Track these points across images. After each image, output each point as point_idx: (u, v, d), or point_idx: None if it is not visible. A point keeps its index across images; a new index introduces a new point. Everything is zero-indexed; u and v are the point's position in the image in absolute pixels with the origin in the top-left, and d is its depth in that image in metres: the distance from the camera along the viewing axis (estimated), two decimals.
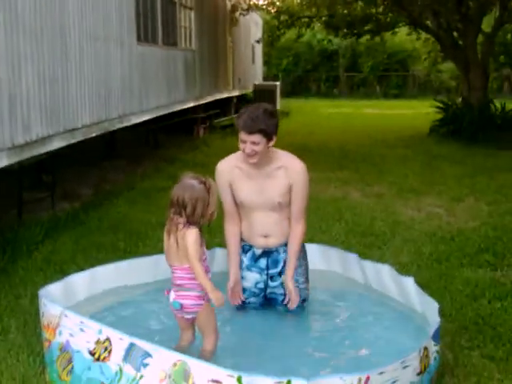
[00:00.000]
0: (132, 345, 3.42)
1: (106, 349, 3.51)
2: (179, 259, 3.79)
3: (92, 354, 3.55)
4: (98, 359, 3.52)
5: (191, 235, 3.70)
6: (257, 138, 4.31)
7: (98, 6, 9.24)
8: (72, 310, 3.89)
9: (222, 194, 4.59)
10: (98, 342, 3.56)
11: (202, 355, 3.78)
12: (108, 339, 3.53)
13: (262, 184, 4.48)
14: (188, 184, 3.75)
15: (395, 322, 4.50)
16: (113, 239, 7.07)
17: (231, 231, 4.71)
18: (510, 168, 11.75)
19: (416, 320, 4.42)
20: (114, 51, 10.02)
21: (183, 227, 3.73)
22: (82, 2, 8.53)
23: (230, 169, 4.59)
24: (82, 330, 3.66)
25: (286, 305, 4.59)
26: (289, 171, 4.50)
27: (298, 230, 4.56)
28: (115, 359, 3.45)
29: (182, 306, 3.83)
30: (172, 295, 3.86)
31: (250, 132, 4.30)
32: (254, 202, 4.53)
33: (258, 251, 4.71)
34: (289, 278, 4.52)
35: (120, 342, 3.47)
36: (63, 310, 3.83)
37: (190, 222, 3.73)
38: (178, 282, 3.83)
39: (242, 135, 4.33)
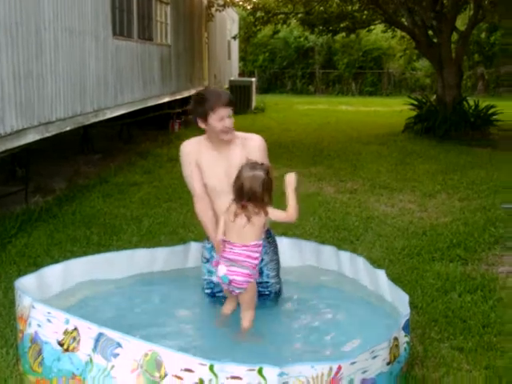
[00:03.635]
0: (101, 334, 3.42)
1: (74, 339, 3.50)
2: (244, 237, 4.10)
3: (61, 344, 3.55)
4: (67, 350, 3.52)
5: (270, 210, 4.10)
6: (231, 111, 4.47)
7: (73, 0, 9.20)
8: (41, 302, 3.89)
9: (191, 174, 4.59)
10: (65, 333, 3.55)
11: (242, 329, 4.19)
12: (76, 329, 3.52)
13: (226, 165, 4.48)
14: (251, 173, 4.06)
15: (367, 314, 4.55)
16: (87, 233, 7.08)
17: (205, 208, 4.61)
18: (482, 165, 11.89)
19: (387, 312, 4.47)
20: (89, 45, 9.99)
21: (257, 209, 4.06)
22: None
23: (196, 150, 4.61)
24: (49, 320, 3.66)
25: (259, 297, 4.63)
26: (248, 143, 4.57)
27: None
28: (84, 349, 3.45)
29: (230, 281, 4.08)
30: (222, 269, 4.11)
31: (231, 104, 4.46)
32: (221, 186, 4.49)
33: None
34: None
35: (88, 331, 3.47)
36: (32, 301, 3.83)
37: (262, 205, 4.07)
38: (233, 257, 4.09)
39: (223, 111, 4.40)
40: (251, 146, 4.55)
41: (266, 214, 4.08)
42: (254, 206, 4.06)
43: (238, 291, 4.15)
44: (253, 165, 4.13)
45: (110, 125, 13.31)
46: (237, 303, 4.35)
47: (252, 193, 4.03)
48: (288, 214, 4.09)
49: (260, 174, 4.06)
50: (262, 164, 4.16)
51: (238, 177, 4.09)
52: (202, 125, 4.52)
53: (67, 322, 3.58)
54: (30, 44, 7.67)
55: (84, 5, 9.75)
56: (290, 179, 4.17)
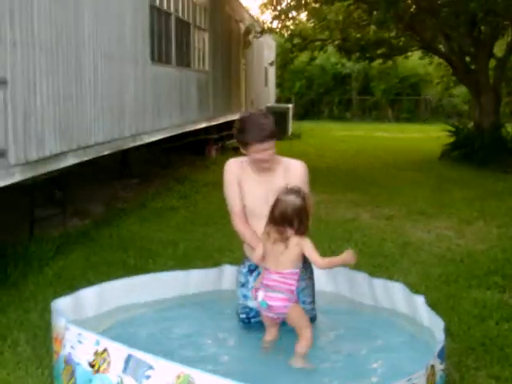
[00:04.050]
0: (130, 356, 3.42)
1: (104, 360, 3.51)
2: (280, 264, 4.08)
3: (92, 365, 3.56)
4: (97, 371, 3.52)
5: (307, 243, 4.07)
6: (271, 143, 4.44)
7: (112, 26, 9.35)
8: (74, 323, 3.92)
9: (231, 191, 4.62)
10: (96, 354, 3.56)
11: (297, 353, 4.10)
12: (106, 350, 3.53)
13: (267, 189, 4.48)
14: (289, 199, 4.05)
15: (403, 341, 4.51)
16: (123, 256, 7.12)
17: (245, 224, 4.61)
18: None
19: (424, 339, 4.42)
20: (128, 70, 10.12)
21: (295, 237, 4.04)
22: (97, 21, 8.64)
23: (239, 169, 4.64)
24: (80, 341, 3.68)
25: None
26: (290, 168, 4.58)
27: None
28: (115, 370, 3.45)
29: (268, 306, 4.09)
30: (260, 294, 4.11)
31: (272, 138, 4.42)
32: (259, 209, 4.49)
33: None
34: None
35: (118, 352, 3.48)
36: (66, 323, 3.86)
37: (299, 233, 4.05)
38: (270, 283, 4.10)
39: (262, 145, 4.39)
40: (292, 172, 4.56)
41: (303, 242, 4.05)
42: (292, 233, 4.04)
43: (277, 316, 4.14)
44: (291, 190, 4.11)
45: (147, 150, 13.43)
46: (277, 332, 4.30)
47: (290, 219, 4.01)
48: (322, 261, 4.06)
49: (298, 200, 4.04)
50: (300, 190, 4.13)
51: (277, 202, 4.08)
52: (243, 150, 4.54)
53: (97, 343, 3.59)
54: (70, 68, 7.79)
55: (123, 30, 9.90)
56: (349, 258, 4.08)
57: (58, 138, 7.43)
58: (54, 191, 9.33)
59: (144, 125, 10.96)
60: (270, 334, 4.30)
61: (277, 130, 4.50)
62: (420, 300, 4.68)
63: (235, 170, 4.64)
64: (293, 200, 4.04)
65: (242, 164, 4.66)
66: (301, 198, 4.06)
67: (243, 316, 4.75)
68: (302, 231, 4.05)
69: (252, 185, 4.57)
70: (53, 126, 7.29)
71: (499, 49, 19.56)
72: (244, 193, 4.59)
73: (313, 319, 4.70)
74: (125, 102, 9.97)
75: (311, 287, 4.73)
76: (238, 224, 4.63)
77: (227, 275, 5.41)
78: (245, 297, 4.72)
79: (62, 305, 4.44)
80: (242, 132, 4.45)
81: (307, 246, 4.06)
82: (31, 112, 6.73)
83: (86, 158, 8.36)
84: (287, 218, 4.01)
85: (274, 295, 4.06)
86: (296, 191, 4.10)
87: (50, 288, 5.95)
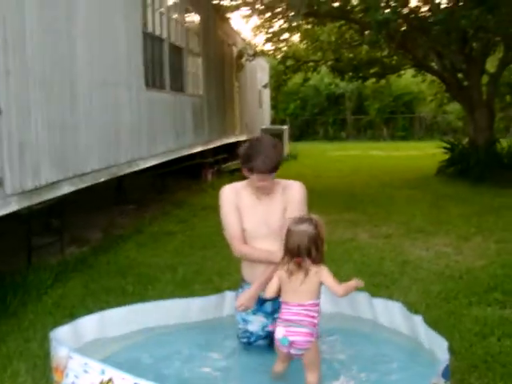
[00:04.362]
0: None
1: None
2: (301, 296, 3.99)
3: None
4: None
5: (325, 272, 4.03)
6: (275, 173, 4.45)
7: (106, 53, 9.38)
8: (77, 352, 3.90)
9: (230, 216, 4.62)
10: (101, 383, 3.55)
11: None
12: (111, 380, 3.51)
13: (266, 210, 4.51)
14: (302, 229, 3.99)
15: (405, 361, 4.49)
16: (122, 283, 7.09)
17: (248, 245, 4.62)
18: None
19: (426, 358, 4.40)
20: (122, 97, 10.14)
21: (313, 266, 3.99)
22: (90, 49, 8.66)
23: (235, 193, 4.65)
24: (85, 371, 3.66)
25: None
26: (289, 190, 4.59)
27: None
28: None
29: (291, 342, 3.92)
30: (281, 331, 3.97)
31: (277, 169, 4.43)
32: (259, 231, 4.52)
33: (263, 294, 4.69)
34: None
35: (123, 382, 3.46)
36: (69, 352, 3.84)
37: (317, 261, 4.00)
38: (291, 317, 3.96)
39: (263, 176, 4.40)
40: (290, 192, 4.58)
41: (322, 271, 4.01)
42: (311, 263, 3.99)
43: (300, 353, 3.98)
44: (302, 219, 4.07)
45: (143, 175, 13.43)
46: (289, 362, 4.15)
47: (307, 249, 3.96)
48: (339, 287, 4.03)
49: (311, 228, 3.99)
50: (311, 218, 4.09)
51: (290, 233, 4.02)
52: (244, 173, 4.55)
53: (103, 372, 3.57)
54: (64, 96, 7.81)
55: (117, 57, 9.94)
56: (359, 282, 4.12)
57: (54, 166, 7.43)
58: (51, 219, 9.31)
59: (139, 151, 10.97)
60: (281, 366, 4.15)
61: (281, 158, 4.50)
62: (419, 320, 4.66)
63: (231, 196, 4.65)
64: (306, 229, 3.99)
65: (237, 189, 4.67)
66: (313, 225, 4.01)
67: (244, 340, 4.74)
68: (319, 259, 4.01)
69: (250, 207, 4.58)
70: (48, 154, 7.29)
71: (491, 65, 19.66)
72: (243, 217, 4.59)
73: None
74: (120, 128, 9.98)
75: None
76: (243, 247, 4.62)
77: (228, 301, 5.38)
78: (244, 321, 4.71)
79: (61, 333, 4.42)
80: (248, 159, 4.42)
81: (326, 275, 4.02)
82: (26, 141, 6.74)
83: (82, 186, 8.34)
84: (304, 249, 3.96)
85: (296, 330, 3.93)
86: (307, 219, 4.06)
87: (49, 316, 5.92)
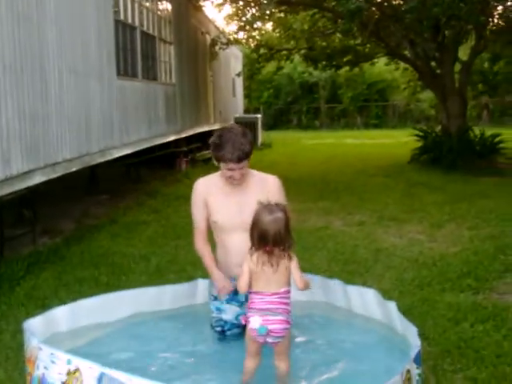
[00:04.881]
0: (103, 374, 3.36)
1: (77, 379, 3.44)
2: (274, 284, 3.92)
3: None
4: None
5: (295, 262, 3.98)
6: (245, 163, 4.40)
7: (77, 41, 9.29)
8: (48, 343, 3.85)
9: (196, 211, 4.64)
10: (69, 373, 3.50)
11: (281, 377, 3.96)
12: (78, 369, 3.46)
13: (239, 202, 4.48)
14: (274, 217, 3.89)
15: (378, 347, 4.50)
16: (95, 273, 7.05)
17: (205, 245, 4.67)
18: (490, 194, 11.88)
19: (398, 344, 4.42)
20: (93, 86, 10.06)
21: (283, 253, 3.92)
22: (60, 38, 8.57)
23: (206, 186, 4.63)
24: (53, 361, 3.61)
25: None
26: (265, 184, 4.55)
27: None
28: None
29: (269, 331, 3.85)
30: (257, 320, 3.87)
31: (246, 159, 4.38)
32: (232, 223, 4.50)
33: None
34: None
35: (90, 371, 3.41)
36: (38, 343, 3.80)
37: (287, 248, 3.93)
38: (267, 306, 3.89)
39: (231, 165, 4.36)
40: (271, 189, 4.52)
41: (290, 257, 3.95)
42: (281, 251, 3.93)
43: (277, 341, 3.91)
44: (270, 207, 3.95)
45: (117, 165, 13.35)
46: (260, 356, 4.03)
47: (276, 237, 3.86)
48: (302, 281, 3.99)
49: (280, 215, 3.90)
50: (278, 204, 4.01)
51: (257, 222, 3.92)
52: (215, 163, 4.53)
53: (69, 362, 3.52)
54: (35, 86, 7.72)
55: (88, 46, 9.85)
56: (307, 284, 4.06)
57: (25, 156, 7.36)
58: (23, 210, 9.22)
59: (112, 140, 10.89)
60: (253, 362, 4.01)
61: (251, 149, 4.43)
62: (392, 306, 4.67)
63: (202, 189, 4.64)
64: (278, 216, 3.90)
65: (211, 181, 4.65)
66: (283, 212, 3.94)
67: (218, 329, 4.72)
68: (289, 245, 3.95)
69: (224, 199, 4.54)
70: (19, 144, 7.22)
71: (464, 53, 19.79)
72: (215, 208, 4.56)
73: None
74: (92, 117, 9.90)
75: None
76: (199, 242, 4.66)
77: (201, 289, 5.36)
78: (218, 310, 4.70)
79: (34, 325, 4.37)
80: (218, 148, 4.39)
81: (295, 266, 3.96)
82: None
83: (54, 176, 8.28)
84: (275, 237, 3.87)
85: (273, 318, 3.86)
86: (275, 207, 3.96)
87: (21, 308, 5.87)
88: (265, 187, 4.52)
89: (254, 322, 3.88)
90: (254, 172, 4.65)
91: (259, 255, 3.93)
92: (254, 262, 3.94)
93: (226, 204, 4.53)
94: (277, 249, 3.90)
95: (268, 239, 3.87)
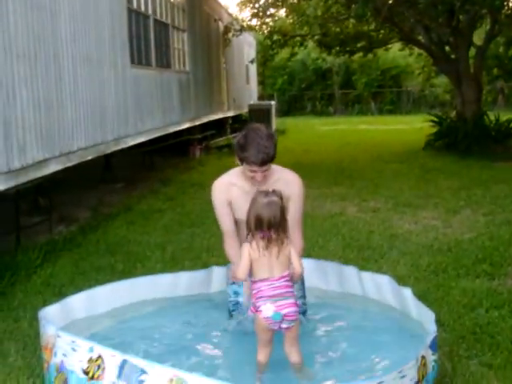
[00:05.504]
0: (125, 361, 3.41)
1: (99, 367, 3.49)
2: (278, 269, 3.92)
3: (86, 372, 3.54)
4: (92, 378, 3.50)
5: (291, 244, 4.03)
6: (268, 165, 4.34)
7: (90, 30, 9.31)
8: (66, 330, 3.89)
9: (222, 213, 4.56)
10: (90, 361, 3.54)
11: (296, 364, 3.94)
12: (100, 357, 3.51)
13: None
14: (272, 201, 3.93)
15: (394, 333, 4.51)
16: (111, 261, 7.08)
17: (235, 246, 4.56)
18: (505, 179, 11.80)
19: (414, 330, 4.43)
20: (107, 74, 10.08)
21: (283, 236, 3.95)
22: (74, 26, 8.60)
23: (226, 187, 4.56)
24: (73, 349, 3.65)
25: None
26: (287, 182, 4.49)
27: (295, 241, 4.39)
28: (109, 377, 3.44)
29: (284, 315, 3.82)
30: (270, 308, 3.82)
31: (264, 164, 4.30)
32: None
33: None
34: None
35: (112, 359, 3.46)
36: (56, 331, 3.83)
37: (284, 231, 3.97)
38: (276, 291, 3.86)
39: (254, 167, 4.30)
40: (292, 187, 4.50)
41: (287, 241, 3.96)
42: (280, 233, 3.93)
43: (291, 325, 3.88)
44: (266, 192, 4.00)
45: (131, 153, 13.39)
46: (272, 347, 3.98)
47: (271, 220, 3.88)
48: (300, 266, 4.02)
49: (276, 199, 3.93)
50: (274, 190, 4.02)
51: (253, 205, 3.96)
52: (238, 162, 4.47)
53: (91, 350, 3.57)
54: (49, 74, 7.75)
55: (101, 34, 9.86)
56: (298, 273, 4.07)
57: (40, 145, 7.39)
58: (39, 198, 9.28)
59: (126, 128, 10.92)
60: (266, 353, 3.97)
61: (276, 152, 4.35)
62: (407, 292, 4.68)
63: (221, 191, 4.57)
64: (275, 200, 3.93)
65: (228, 182, 4.59)
66: (278, 196, 3.97)
67: (235, 313, 4.74)
68: (284, 230, 3.97)
69: (243, 197, 4.44)
70: (34, 133, 7.25)
71: (478, 37, 19.65)
72: (235, 208, 4.54)
73: (303, 314, 4.68)
74: (106, 105, 9.93)
75: (302, 282, 4.72)
76: (230, 248, 4.58)
77: (216, 276, 5.39)
78: (236, 293, 4.72)
79: (51, 312, 4.41)
80: (242, 148, 4.32)
81: (293, 250, 4.00)
82: (12, 120, 6.69)
83: (69, 164, 8.32)
84: (273, 220, 3.89)
85: (285, 302, 3.84)
86: (270, 192, 3.99)
87: (38, 296, 5.91)
88: (287, 185, 4.47)
89: (267, 310, 3.83)
90: (278, 168, 4.58)
91: (258, 241, 3.93)
92: (255, 248, 3.93)
93: (246, 201, 4.46)
94: (273, 233, 3.90)
95: (263, 222, 3.89)
